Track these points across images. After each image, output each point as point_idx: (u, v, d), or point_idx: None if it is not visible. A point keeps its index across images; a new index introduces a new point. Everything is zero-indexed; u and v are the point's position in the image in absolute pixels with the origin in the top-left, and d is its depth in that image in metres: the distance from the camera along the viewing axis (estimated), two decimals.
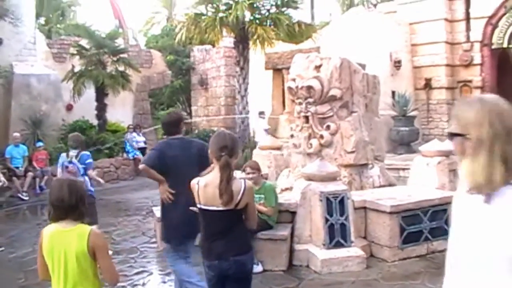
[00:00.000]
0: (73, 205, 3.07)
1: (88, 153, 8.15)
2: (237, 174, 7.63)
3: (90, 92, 17.46)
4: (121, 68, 17.67)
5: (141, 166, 5.32)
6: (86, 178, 7.66)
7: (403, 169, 9.85)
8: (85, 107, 17.54)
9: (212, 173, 3.72)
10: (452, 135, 2.06)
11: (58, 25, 29.95)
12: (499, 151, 1.92)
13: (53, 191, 3.15)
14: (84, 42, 17.98)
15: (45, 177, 13.73)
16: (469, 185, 1.99)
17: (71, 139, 8.15)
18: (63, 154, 7.99)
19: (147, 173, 5.21)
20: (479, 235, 1.95)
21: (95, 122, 17.68)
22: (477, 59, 21.81)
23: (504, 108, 2.14)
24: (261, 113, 18.57)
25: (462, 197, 2.11)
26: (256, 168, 6.62)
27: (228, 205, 3.54)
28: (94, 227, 3.26)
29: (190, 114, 27.42)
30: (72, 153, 7.79)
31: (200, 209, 3.74)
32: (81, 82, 16.86)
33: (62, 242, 3.04)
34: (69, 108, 18.19)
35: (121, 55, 18.01)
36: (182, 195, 4.82)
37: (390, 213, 6.48)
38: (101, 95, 17.63)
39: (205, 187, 3.64)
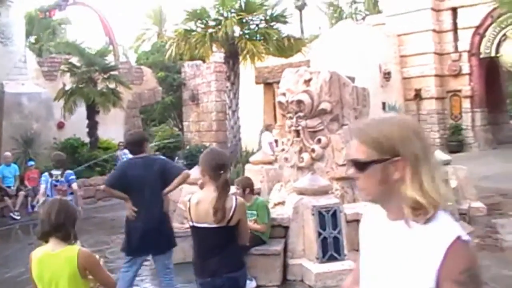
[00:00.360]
0: (60, 223, 3.05)
1: (71, 171, 8.53)
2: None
3: (81, 110, 17.44)
4: (112, 86, 17.66)
5: (102, 186, 5.61)
6: (71, 197, 7.85)
7: None
8: (77, 125, 17.51)
9: (204, 190, 3.72)
10: (363, 165, 1.74)
11: (49, 43, 29.97)
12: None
13: (44, 207, 3.18)
14: (74, 60, 17.99)
15: (37, 196, 13.65)
16: (408, 210, 1.68)
17: (53, 159, 8.41)
18: (46, 174, 8.32)
19: (109, 193, 5.62)
20: (399, 267, 1.71)
21: (86, 139, 17.64)
22: (466, 69, 22.02)
23: (414, 122, 1.86)
24: (269, 125, 18.36)
25: (376, 220, 1.89)
26: (244, 186, 6.54)
27: (221, 222, 3.54)
28: (80, 246, 3.25)
29: (181, 129, 27.46)
30: (56, 172, 7.93)
31: (192, 227, 3.73)
32: (72, 100, 16.83)
33: (51, 267, 3.03)
34: (60, 126, 18.16)
35: (112, 72, 18.01)
36: (144, 212, 5.23)
37: None
38: (92, 112, 17.60)
39: (197, 204, 3.64)
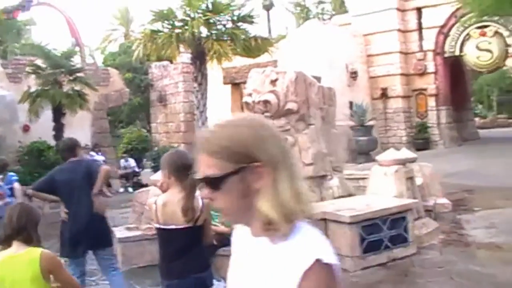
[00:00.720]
0: (22, 226, 3.03)
1: (12, 173, 9.02)
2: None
3: (47, 113, 17.18)
4: (78, 87, 17.46)
5: (28, 191, 5.84)
6: (13, 199, 7.99)
7: (362, 178, 9.96)
8: (42, 128, 17.23)
9: (170, 191, 3.70)
10: (218, 182, 1.48)
11: (13, 45, 29.48)
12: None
13: (6, 211, 3.17)
14: (40, 62, 17.72)
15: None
16: (259, 225, 1.49)
17: None
18: None
19: (36, 196, 5.96)
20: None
21: (53, 142, 17.38)
22: (431, 68, 22.35)
23: (267, 121, 1.61)
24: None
25: (244, 235, 1.64)
26: None
27: (189, 222, 3.56)
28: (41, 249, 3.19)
29: (149, 131, 27.29)
30: None
31: (158, 229, 3.72)
32: (38, 103, 16.58)
33: (12, 270, 2.97)
34: (25, 129, 17.85)
35: (78, 74, 17.80)
36: (73, 213, 5.46)
37: (350, 223, 6.55)
38: (58, 115, 17.36)
39: (164, 206, 3.63)
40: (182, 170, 3.60)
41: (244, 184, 1.46)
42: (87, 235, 5.42)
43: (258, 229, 1.51)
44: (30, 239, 3.06)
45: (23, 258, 2.98)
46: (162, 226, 3.66)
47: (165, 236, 3.70)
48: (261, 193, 1.45)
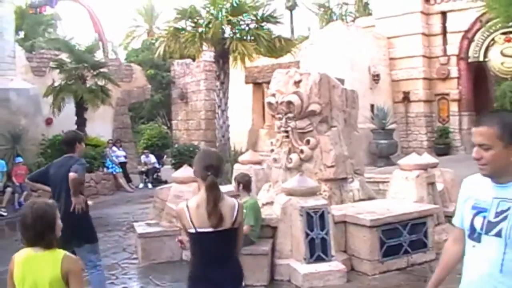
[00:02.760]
0: (39, 234, 2.87)
1: None
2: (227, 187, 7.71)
3: (69, 107, 17.38)
4: (101, 83, 17.63)
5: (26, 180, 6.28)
6: None
7: (383, 182, 9.93)
8: (65, 122, 17.39)
9: (200, 193, 3.49)
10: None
11: (40, 39, 29.80)
12: None
13: (21, 217, 2.96)
14: (64, 56, 17.92)
15: (24, 193, 13.61)
16: None
17: None
18: None
19: (30, 185, 6.62)
20: None
21: None
22: (454, 73, 22.15)
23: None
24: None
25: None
26: (239, 181, 6.71)
27: (221, 225, 3.35)
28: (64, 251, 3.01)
29: (170, 128, 27.44)
30: None
31: (194, 233, 3.41)
32: (61, 97, 16.78)
33: (34, 269, 2.87)
34: (48, 122, 18.07)
35: (101, 70, 17.99)
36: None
37: (370, 227, 6.55)
38: (80, 109, 17.56)
39: (198, 208, 3.39)
40: (205, 170, 3.46)
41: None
42: (63, 232, 5.35)
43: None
44: (51, 245, 2.93)
45: (46, 258, 2.89)
46: (198, 230, 3.37)
47: (201, 240, 3.41)
48: None
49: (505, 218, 2.36)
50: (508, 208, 2.36)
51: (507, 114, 2.53)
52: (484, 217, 2.44)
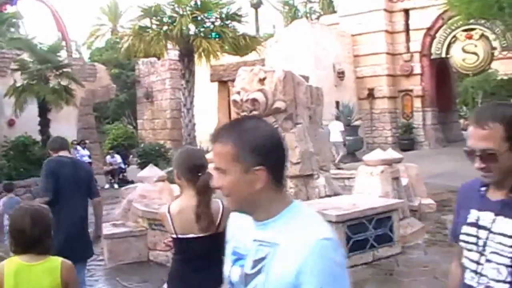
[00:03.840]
0: (36, 238, 2.69)
1: None
2: None
3: (33, 107, 17.05)
4: (64, 83, 17.34)
5: None
6: None
7: (348, 178, 10.04)
8: (28, 123, 17.08)
9: (184, 196, 3.27)
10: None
11: (0, 38, 29.19)
12: None
13: (14, 221, 2.77)
14: (26, 56, 17.57)
15: None
16: None
17: None
18: None
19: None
20: None
21: (38, 138, 17.26)
22: (417, 69, 22.52)
23: None
24: (338, 117, 19.07)
25: None
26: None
27: (208, 230, 3.14)
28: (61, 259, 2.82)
29: (136, 127, 27.21)
30: None
31: (175, 239, 3.27)
32: (23, 98, 16.45)
33: (29, 280, 2.68)
34: (11, 124, 17.70)
35: (64, 69, 17.69)
36: None
37: (336, 222, 6.58)
38: (44, 110, 17.25)
39: (180, 213, 3.20)
40: (194, 170, 3.21)
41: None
42: (64, 241, 4.67)
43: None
44: (47, 250, 2.75)
45: (42, 267, 2.71)
46: (180, 236, 3.21)
47: (184, 247, 3.25)
48: None
49: (260, 271, 1.63)
50: (265, 256, 1.63)
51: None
52: (242, 267, 1.71)
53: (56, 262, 2.75)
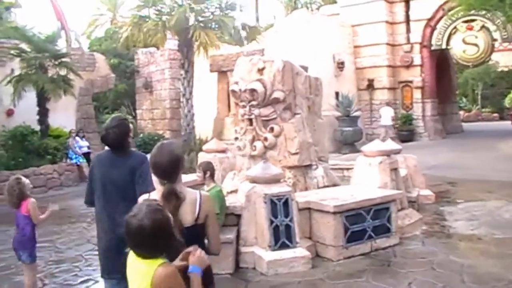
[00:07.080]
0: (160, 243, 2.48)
1: None
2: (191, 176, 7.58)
3: (31, 97, 16.98)
4: (63, 72, 17.27)
5: None
6: None
7: (347, 169, 10.03)
8: (27, 112, 17.01)
9: (156, 192, 3.14)
10: None
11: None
12: None
13: (134, 216, 2.44)
14: (25, 45, 17.49)
15: None
16: None
17: None
18: None
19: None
20: None
21: (37, 127, 17.20)
22: (417, 60, 22.46)
23: None
24: (388, 102, 21.80)
25: None
26: (204, 170, 6.58)
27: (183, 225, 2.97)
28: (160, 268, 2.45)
29: (135, 117, 27.15)
30: None
31: None
32: (20, 86, 16.37)
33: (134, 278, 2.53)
34: (9, 113, 17.65)
35: (63, 59, 17.62)
36: None
37: (334, 213, 6.57)
38: (42, 99, 17.18)
39: None
40: (160, 175, 3.09)
41: None
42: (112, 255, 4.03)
43: None
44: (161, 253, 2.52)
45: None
46: None
47: None
48: None
49: None
50: None
51: None
52: None
53: (153, 265, 2.44)
